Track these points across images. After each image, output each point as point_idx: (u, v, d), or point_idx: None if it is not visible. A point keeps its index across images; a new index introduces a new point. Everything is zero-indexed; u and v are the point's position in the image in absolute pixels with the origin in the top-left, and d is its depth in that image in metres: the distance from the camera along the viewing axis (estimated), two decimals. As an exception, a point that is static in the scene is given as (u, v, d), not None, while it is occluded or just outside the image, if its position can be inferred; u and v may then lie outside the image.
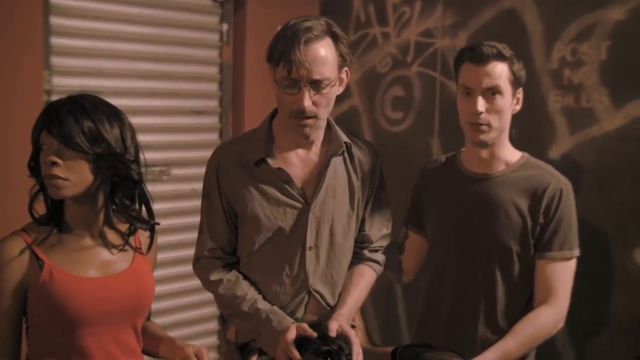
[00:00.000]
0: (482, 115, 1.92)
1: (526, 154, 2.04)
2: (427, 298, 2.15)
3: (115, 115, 1.62)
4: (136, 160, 1.65)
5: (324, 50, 1.77)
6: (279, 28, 1.83)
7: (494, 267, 1.96)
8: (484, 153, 2.00)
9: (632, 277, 2.45)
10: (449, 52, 2.97)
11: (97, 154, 1.56)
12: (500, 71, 1.91)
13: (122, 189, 1.65)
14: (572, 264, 1.96)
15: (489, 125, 1.93)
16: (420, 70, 3.13)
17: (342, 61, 1.83)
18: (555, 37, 2.62)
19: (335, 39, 1.80)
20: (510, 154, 2.02)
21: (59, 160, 1.53)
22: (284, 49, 1.75)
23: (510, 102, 1.94)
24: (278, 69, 1.78)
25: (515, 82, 1.94)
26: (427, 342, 1.97)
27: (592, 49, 2.53)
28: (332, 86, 1.81)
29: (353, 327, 1.88)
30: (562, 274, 1.94)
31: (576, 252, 1.95)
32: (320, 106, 1.80)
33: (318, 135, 1.91)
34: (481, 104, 1.92)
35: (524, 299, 1.99)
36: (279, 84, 1.79)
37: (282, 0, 3.33)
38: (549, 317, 1.92)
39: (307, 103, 1.76)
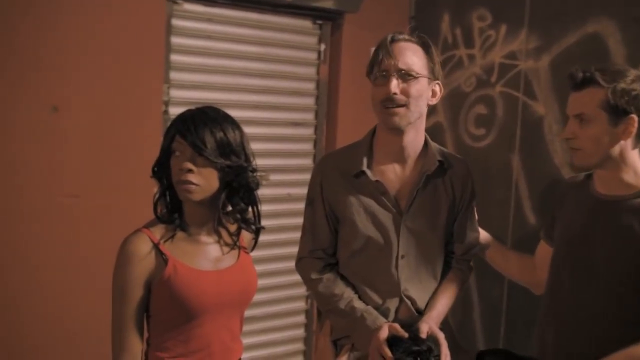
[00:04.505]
0: (569, 141, 1.87)
1: None
2: (542, 309, 2.05)
3: (238, 127, 1.68)
4: (254, 169, 1.70)
5: (412, 50, 1.89)
6: (372, 49, 1.97)
7: (605, 294, 1.82)
8: (602, 174, 1.88)
9: None
10: (532, 74, 2.96)
11: (227, 165, 1.62)
12: (589, 98, 1.80)
13: (239, 194, 1.70)
14: None
15: (579, 149, 1.85)
16: (504, 90, 3.13)
17: (432, 69, 1.91)
18: (639, 62, 2.50)
19: (425, 48, 1.91)
20: (638, 179, 1.84)
21: (194, 168, 1.59)
22: (375, 53, 1.89)
23: (605, 129, 1.79)
24: (371, 71, 1.90)
25: (614, 109, 1.77)
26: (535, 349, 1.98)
27: (678, 74, 2.46)
28: (420, 81, 1.87)
29: (442, 329, 1.89)
30: None
31: None
32: (410, 96, 1.85)
33: (413, 151, 1.97)
34: (568, 129, 1.86)
35: (636, 335, 1.77)
36: (372, 82, 1.89)
37: (375, 23, 3.39)
38: None
39: (395, 89, 1.83)
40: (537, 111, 2.97)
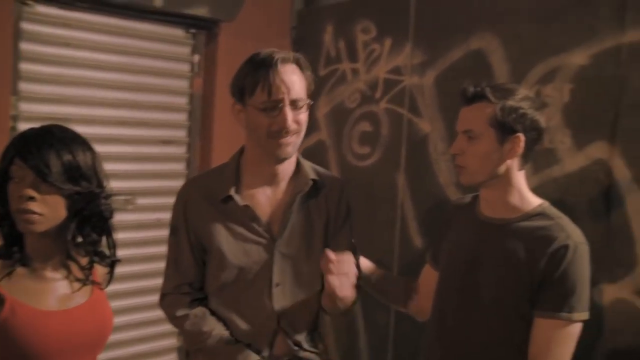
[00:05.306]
0: (457, 157, 1.85)
1: (546, 203, 1.85)
2: (428, 335, 2.02)
3: (89, 148, 1.58)
4: (108, 195, 1.61)
5: (297, 74, 1.83)
6: (247, 65, 1.85)
7: (492, 318, 1.81)
8: (487, 196, 1.88)
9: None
10: (416, 90, 2.99)
11: (75, 191, 1.52)
12: (478, 113, 1.80)
13: (91, 223, 1.61)
14: (570, 330, 1.73)
15: (465, 167, 1.84)
16: (388, 106, 3.13)
17: (309, 89, 1.86)
18: (520, 78, 2.63)
19: (301, 67, 1.85)
20: (523, 202, 1.84)
21: (36, 195, 1.48)
22: (261, 74, 1.79)
23: (492, 147, 1.79)
24: (255, 95, 1.80)
25: (502, 126, 1.78)
26: None
27: (556, 91, 2.54)
28: (306, 107, 1.83)
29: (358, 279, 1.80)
30: (556, 338, 1.72)
31: (576, 316, 1.72)
32: (300, 124, 1.82)
33: (286, 173, 1.91)
34: (456, 144, 1.86)
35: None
36: (258, 109, 1.80)
37: (254, 33, 3.35)
38: None
39: (291, 121, 1.78)
40: (422, 129, 3.01)
